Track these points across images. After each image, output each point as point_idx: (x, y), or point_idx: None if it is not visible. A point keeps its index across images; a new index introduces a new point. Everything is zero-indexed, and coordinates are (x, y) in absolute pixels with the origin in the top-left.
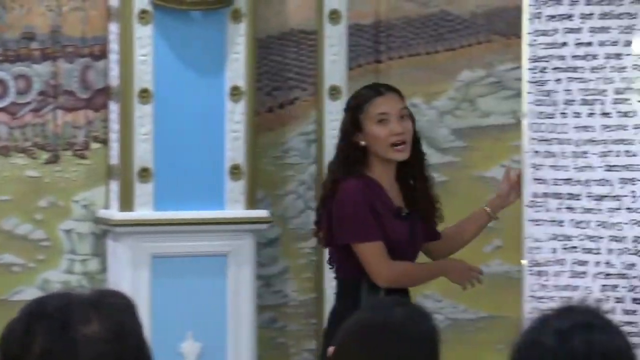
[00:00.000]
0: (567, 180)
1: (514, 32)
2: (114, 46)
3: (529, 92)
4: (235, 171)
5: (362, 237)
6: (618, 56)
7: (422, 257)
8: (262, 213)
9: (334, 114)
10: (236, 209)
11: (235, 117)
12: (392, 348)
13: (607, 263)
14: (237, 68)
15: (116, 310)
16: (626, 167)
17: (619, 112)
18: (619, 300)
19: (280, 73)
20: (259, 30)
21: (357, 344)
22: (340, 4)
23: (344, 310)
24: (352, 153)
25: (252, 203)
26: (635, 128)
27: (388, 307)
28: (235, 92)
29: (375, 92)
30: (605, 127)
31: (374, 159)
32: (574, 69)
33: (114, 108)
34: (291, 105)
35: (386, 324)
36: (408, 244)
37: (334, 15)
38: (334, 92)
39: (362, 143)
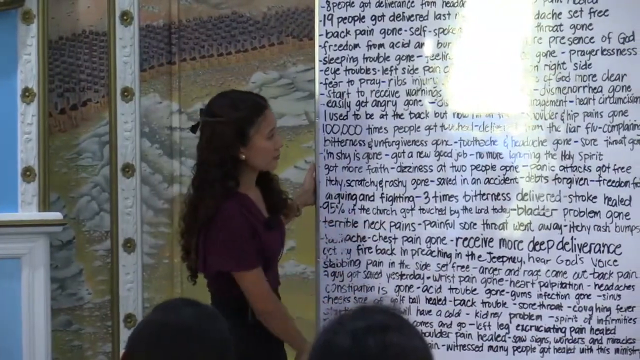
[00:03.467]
0: (361, 182)
1: (306, 33)
2: None
3: (321, 94)
4: (28, 173)
5: (243, 265)
6: (409, 58)
7: None
8: (55, 215)
9: (126, 116)
10: (29, 211)
11: (28, 119)
12: (182, 349)
13: (402, 263)
14: (28, 70)
15: None
16: (419, 168)
17: (411, 113)
18: (414, 300)
19: (73, 75)
20: (50, 31)
21: (147, 345)
22: (132, 5)
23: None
24: (232, 169)
25: (45, 205)
26: (427, 129)
27: (177, 308)
28: (27, 94)
29: (262, 105)
30: (398, 128)
31: (245, 170)
32: (366, 71)
33: None
34: (84, 107)
35: (175, 325)
36: (280, 250)
37: (126, 17)
38: (127, 93)
39: (243, 157)
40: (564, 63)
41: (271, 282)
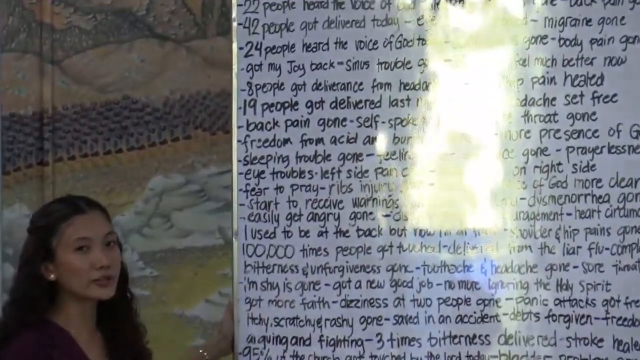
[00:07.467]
0: (294, 320)
1: (221, 125)
2: None
3: (241, 205)
4: None
5: None
6: (357, 157)
7: None
8: None
9: None
10: None
11: None
12: None
13: None
14: None
15: None
16: (369, 303)
17: (359, 230)
18: None
19: None
20: None
21: None
22: None
23: None
24: (36, 290)
25: None
26: (380, 251)
27: None
28: None
29: (73, 208)
30: (342, 249)
31: (65, 296)
32: (300, 174)
33: None
34: None
35: None
36: None
37: None
38: None
39: (52, 277)
40: (559, 164)
41: None
